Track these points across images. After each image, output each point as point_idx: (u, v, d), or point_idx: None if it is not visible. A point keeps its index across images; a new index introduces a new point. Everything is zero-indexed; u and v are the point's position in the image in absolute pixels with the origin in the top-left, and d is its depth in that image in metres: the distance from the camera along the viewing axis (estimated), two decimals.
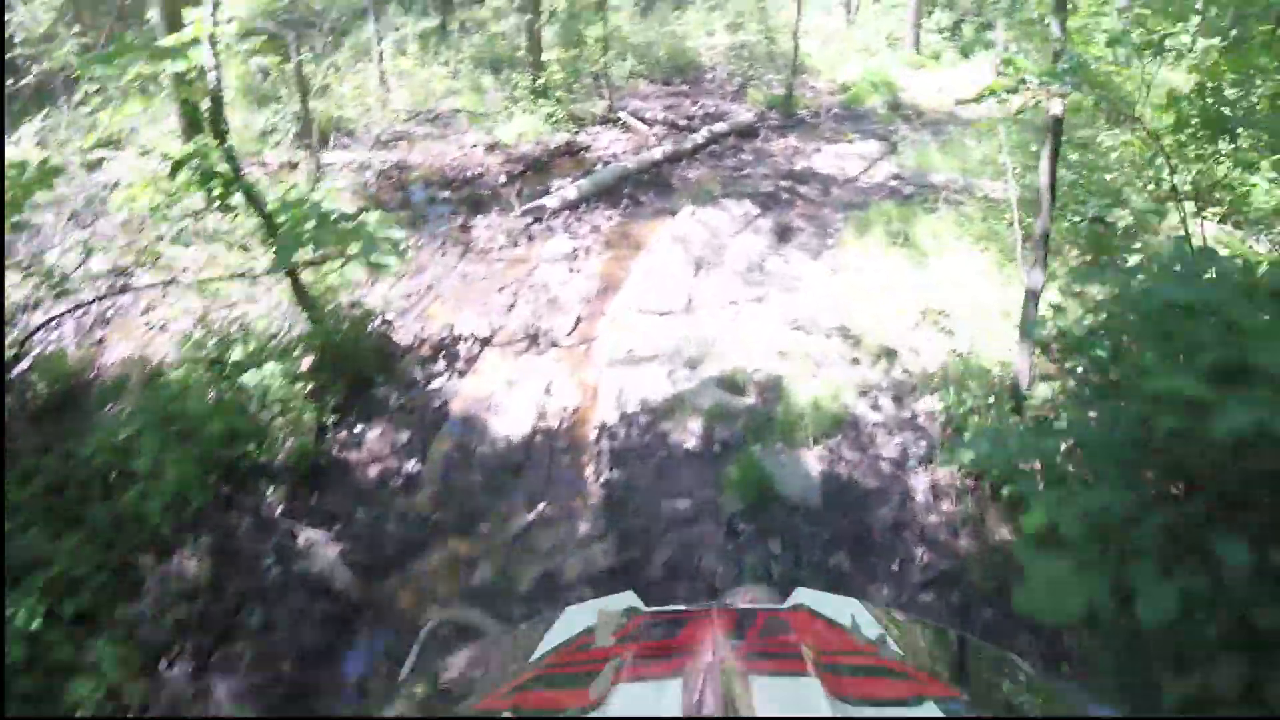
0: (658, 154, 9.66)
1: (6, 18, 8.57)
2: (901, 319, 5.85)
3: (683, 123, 11.22)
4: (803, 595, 1.91)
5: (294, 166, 8.94)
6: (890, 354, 5.53)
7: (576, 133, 10.74)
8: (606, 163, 9.67)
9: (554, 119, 10.78)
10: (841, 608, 1.72)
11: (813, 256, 7.12)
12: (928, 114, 11.78)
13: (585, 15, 12.28)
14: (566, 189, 8.63)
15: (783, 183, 8.90)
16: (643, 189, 9.00)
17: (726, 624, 1.58)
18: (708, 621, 1.59)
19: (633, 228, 8.15)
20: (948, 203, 7.77)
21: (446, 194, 9.21)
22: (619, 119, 11.24)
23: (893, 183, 8.82)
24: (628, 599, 1.88)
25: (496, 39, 13.86)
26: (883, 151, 9.92)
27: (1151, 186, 5.78)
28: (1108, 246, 6.38)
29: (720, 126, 10.69)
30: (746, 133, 10.81)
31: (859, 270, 6.70)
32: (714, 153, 10.19)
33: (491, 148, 10.23)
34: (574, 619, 1.72)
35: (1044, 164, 4.17)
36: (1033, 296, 4.44)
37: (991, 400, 4.72)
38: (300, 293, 5.50)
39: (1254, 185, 4.36)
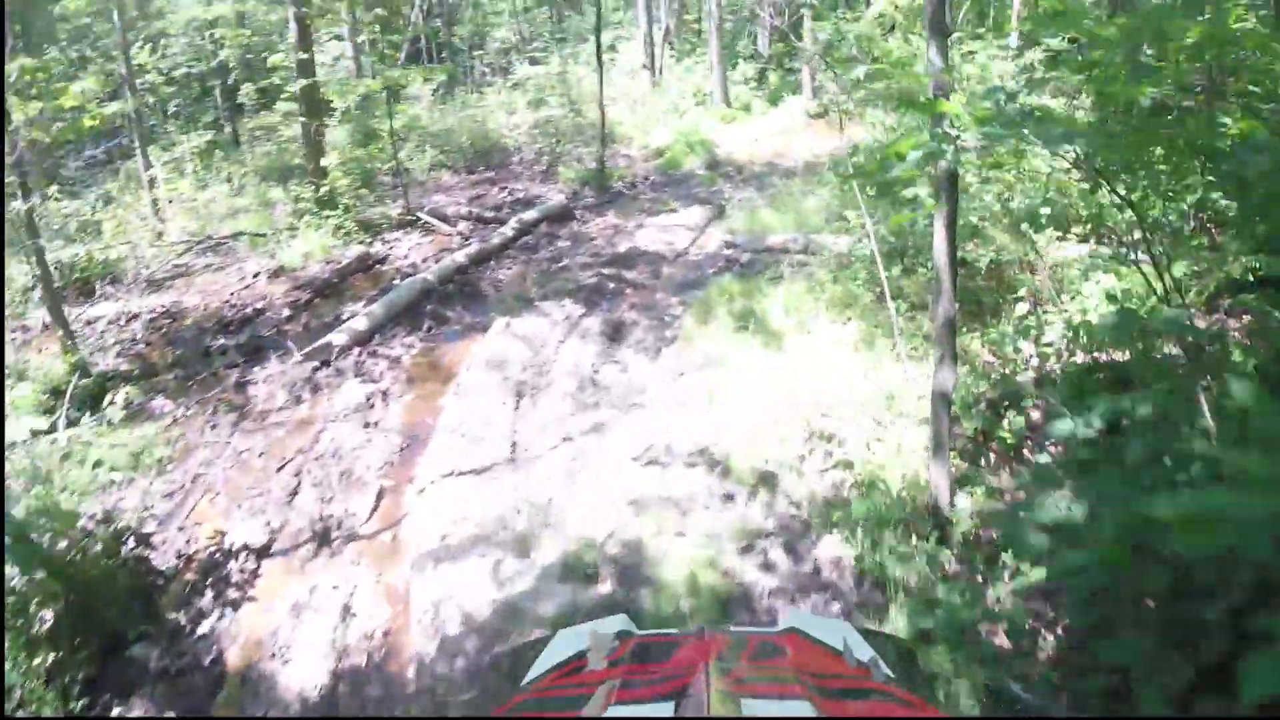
0: (462, 257, 8.36)
1: None
2: (771, 427, 4.74)
3: (490, 214, 10.00)
4: (794, 619, 1.86)
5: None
6: (768, 479, 4.40)
7: (371, 243, 9.36)
8: (406, 275, 8.28)
9: (344, 230, 9.33)
10: (833, 631, 1.69)
11: (652, 357, 5.97)
12: (747, 167, 11.23)
13: (380, 109, 10.95)
14: (356, 318, 7.16)
15: (606, 270, 7.76)
16: (448, 302, 7.64)
17: (719, 647, 1.56)
18: (700, 645, 1.60)
19: (440, 353, 6.77)
20: (792, 267, 6.88)
21: (222, 340, 7.55)
22: (419, 219, 9.91)
23: (727, 251, 7.89)
24: (620, 622, 1.79)
25: (288, 145, 12.42)
26: (710, 217, 9.04)
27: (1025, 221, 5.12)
28: (976, 292, 5.66)
29: (531, 214, 9.54)
30: (561, 216, 9.71)
31: (708, 366, 5.60)
32: (527, 245, 8.99)
33: (276, 274, 8.74)
34: (567, 642, 1.65)
35: (939, 234, 3.11)
36: (943, 400, 3.36)
37: (913, 537, 3.62)
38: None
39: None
